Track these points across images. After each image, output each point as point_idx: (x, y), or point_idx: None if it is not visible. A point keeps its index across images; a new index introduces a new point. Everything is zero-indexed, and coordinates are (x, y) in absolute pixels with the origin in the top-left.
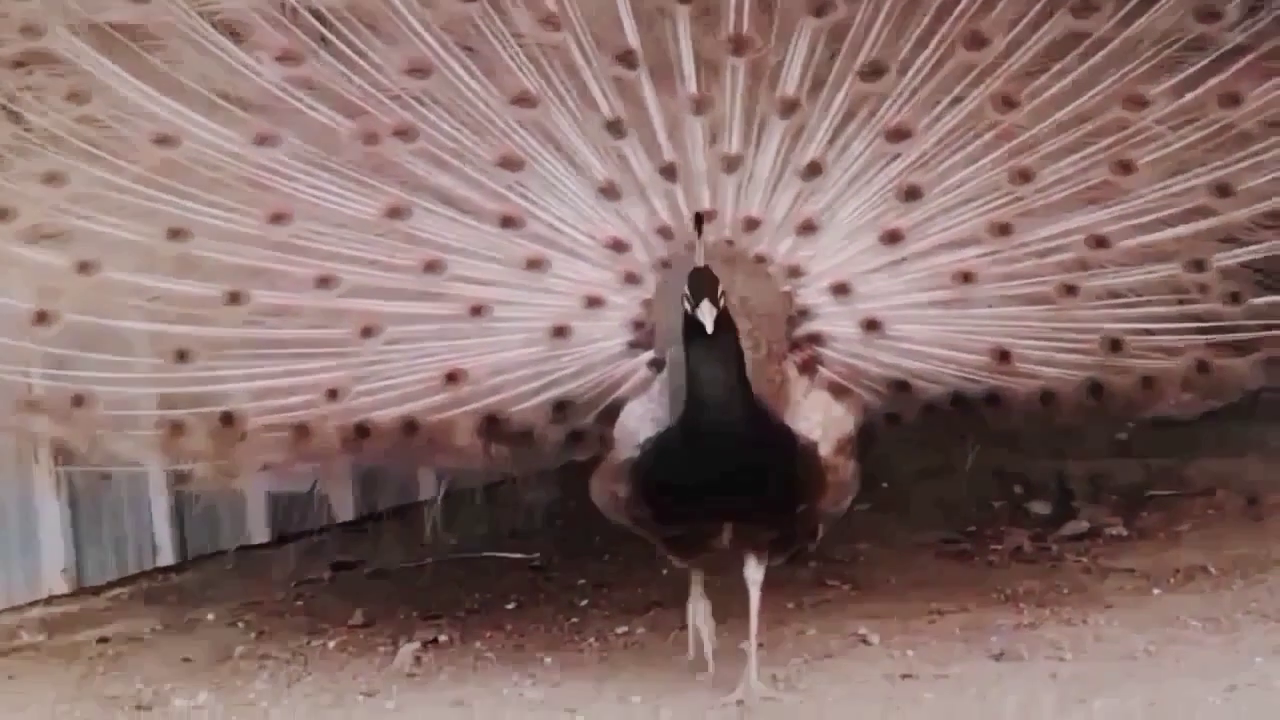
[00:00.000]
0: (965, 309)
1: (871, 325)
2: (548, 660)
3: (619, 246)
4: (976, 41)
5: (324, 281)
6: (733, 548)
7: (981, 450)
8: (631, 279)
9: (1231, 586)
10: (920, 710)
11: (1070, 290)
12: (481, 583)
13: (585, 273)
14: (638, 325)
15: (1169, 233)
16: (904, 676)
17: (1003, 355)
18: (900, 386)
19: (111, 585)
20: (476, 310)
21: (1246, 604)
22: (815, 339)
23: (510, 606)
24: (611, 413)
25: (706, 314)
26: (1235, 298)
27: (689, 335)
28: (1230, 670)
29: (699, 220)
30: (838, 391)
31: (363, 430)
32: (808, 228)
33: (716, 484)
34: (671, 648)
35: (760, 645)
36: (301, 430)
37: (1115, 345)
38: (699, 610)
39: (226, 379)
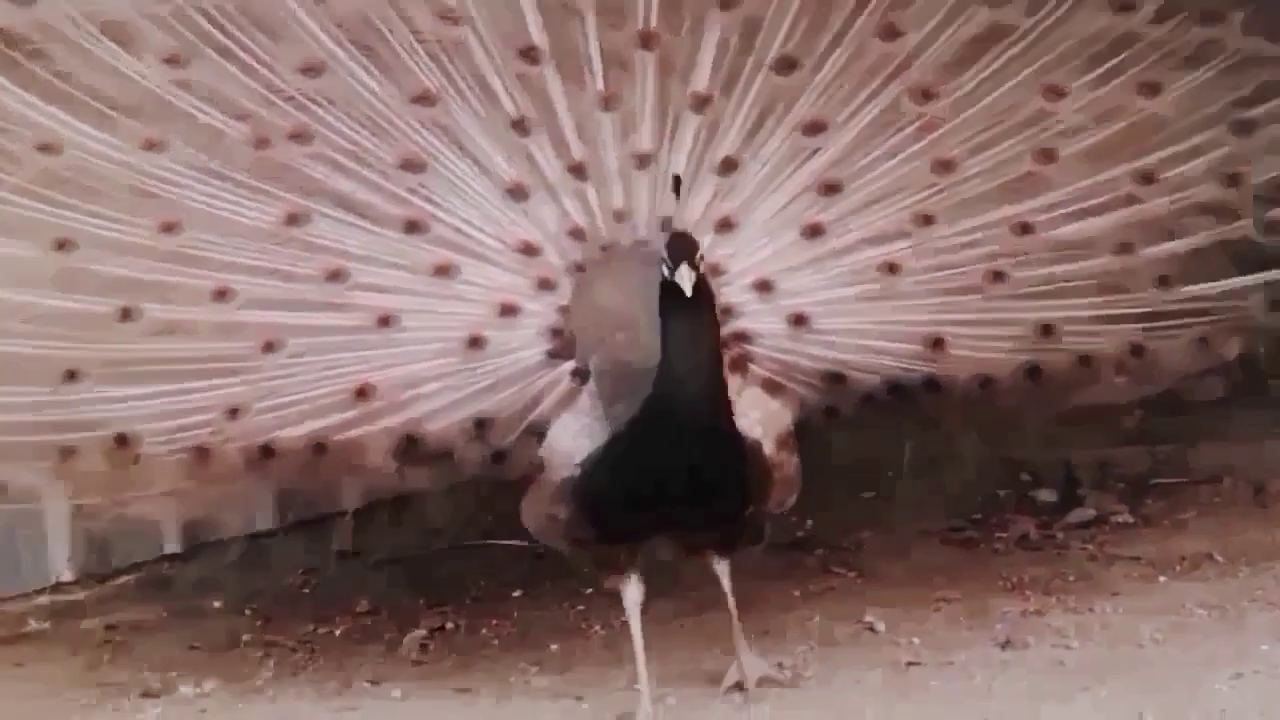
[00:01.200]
0: (893, 300)
1: (799, 320)
2: (554, 647)
3: (530, 250)
4: (891, 33)
5: (221, 294)
6: (674, 558)
7: (986, 438)
8: (545, 284)
9: (1238, 574)
10: (926, 698)
11: (999, 277)
12: (487, 570)
13: (496, 278)
14: (555, 333)
15: (1095, 221)
16: (909, 664)
17: (936, 342)
18: (835, 379)
19: (118, 573)
20: (384, 320)
21: (1252, 591)
22: (742, 337)
23: (516, 594)
24: (535, 430)
25: (685, 278)
26: (1164, 282)
27: (665, 303)
28: (1237, 658)
29: (677, 183)
30: (771, 388)
31: (268, 451)
32: (726, 225)
33: (683, 476)
34: (677, 634)
35: (766, 632)
36: (201, 453)
37: (1047, 330)
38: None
39: (119, 399)
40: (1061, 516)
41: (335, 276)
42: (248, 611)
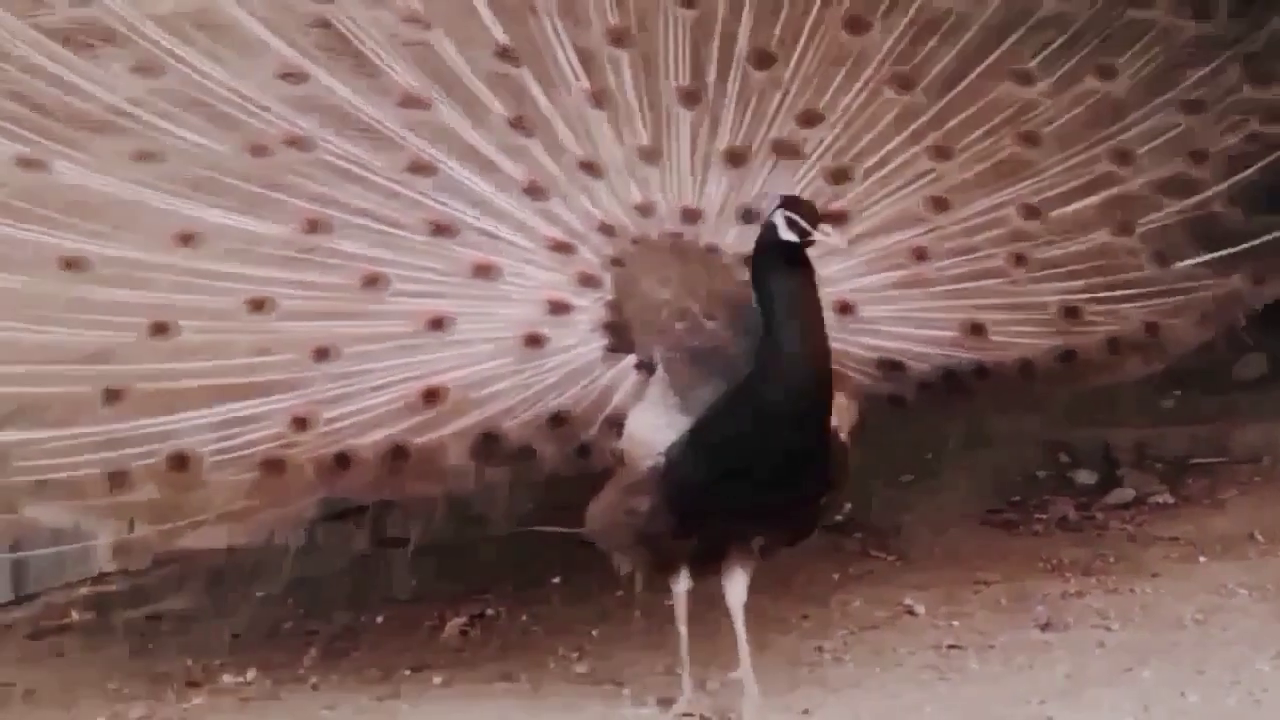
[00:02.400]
0: (927, 286)
1: (845, 309)
2: (594, 633)
3: (563, 248)
4: (856, 26)
5: (257, 306)
6: (743, 554)
7: (1025, 419)
8: (588, 281)
9: (1278, 553)
10: (967, 680)
11: (1020, 261)
12: (528, 557)
13: (537, 277)
14: (609, 328)
15: (1086, 201)
16: (950, 647)
17: (975, 329)
18: (892, 366)
19: (160, 564)
20: (436, 323)
21: None
22: None
23: (556, 580)
24: (615, 423)
25: (833, 233)
26: (1162, 259)
27: (775, 268)
28: (1277, 638)
29: (786, 148)
30: (836, 380)
31: (343, 460)
32: (749, 216)
33: (782, 454)
34: (718, 621)
35: (805, 616)
36: (271, 466)
37: (1072, 313)
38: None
39: (169, 419)
40: (1101, 497)
41: (373, 283)
42: (289, 600)
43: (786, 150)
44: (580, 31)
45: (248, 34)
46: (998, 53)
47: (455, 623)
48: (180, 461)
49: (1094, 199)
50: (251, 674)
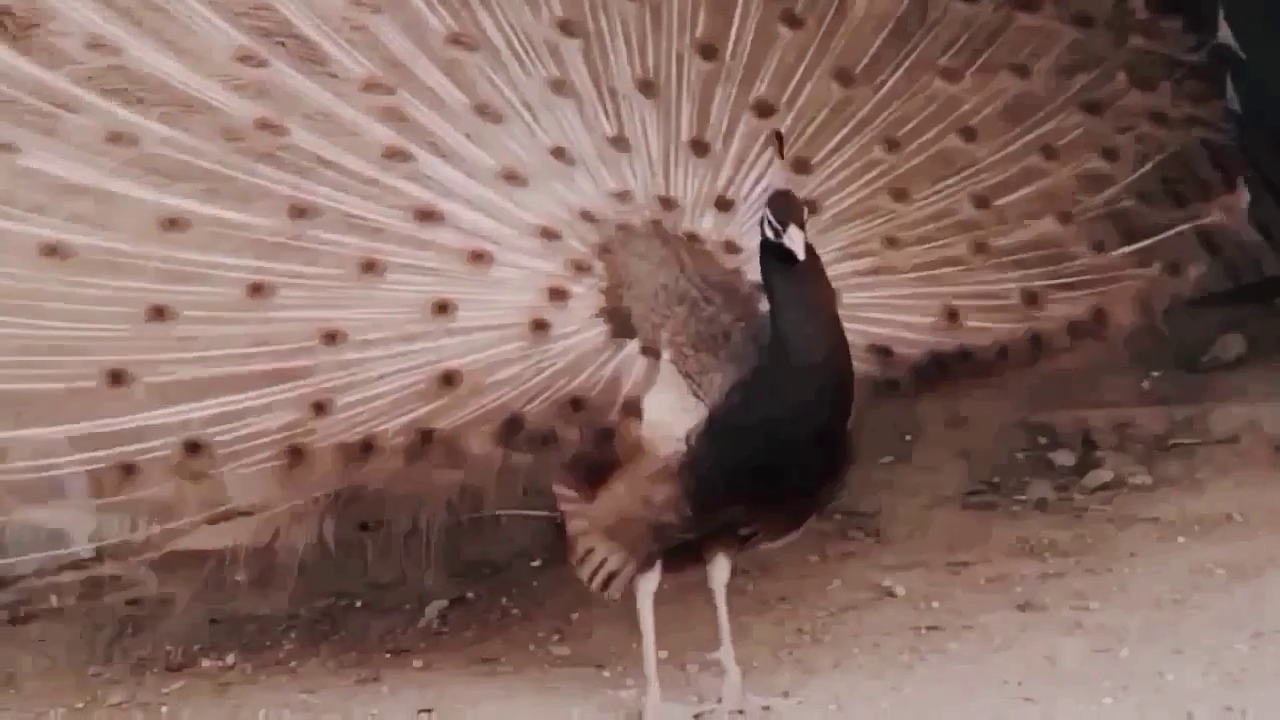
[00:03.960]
0: (901, 273)
1: None
2: (574, 616)
3: (549, 234)
4: (793, 22)
5: (256, 290)
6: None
7: (1003, 401)
8: (580, 267)
9: (1256, 534)
10: (946, 661)
11: (980, 249)
12: (507, 540)
13: (530, 263)
14: (609, 314)
15: (1022, 192)
16: (929, 628)
17: (951, 314)
18: (882, 352)
19: (140, 548)
20: (440, 308)
21: (1271, 551)
22: None
23: (536, 564)
24: (633, 408)
25: (796, 240)
26: (1099, 248)
27: (769, 266)
28: (1255, 618)
29: (779, 139)
30: None
31: (367, 446)
32: (724, 204)
33: (802, 444)
34: (698, 604)
35: (784, 598)
36: (294, 453)
37: (1031, 298)
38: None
39: (179, 408)
40: (1079, 479)
41: (370, 268)
42: (291, 581)
43: (745, 141)
44: (532, 21)
45: (199, 17)
46: (918, 50)
47: (435, 606)
48: (193, 452)
49: (1029, 189)
50: (231, 658)
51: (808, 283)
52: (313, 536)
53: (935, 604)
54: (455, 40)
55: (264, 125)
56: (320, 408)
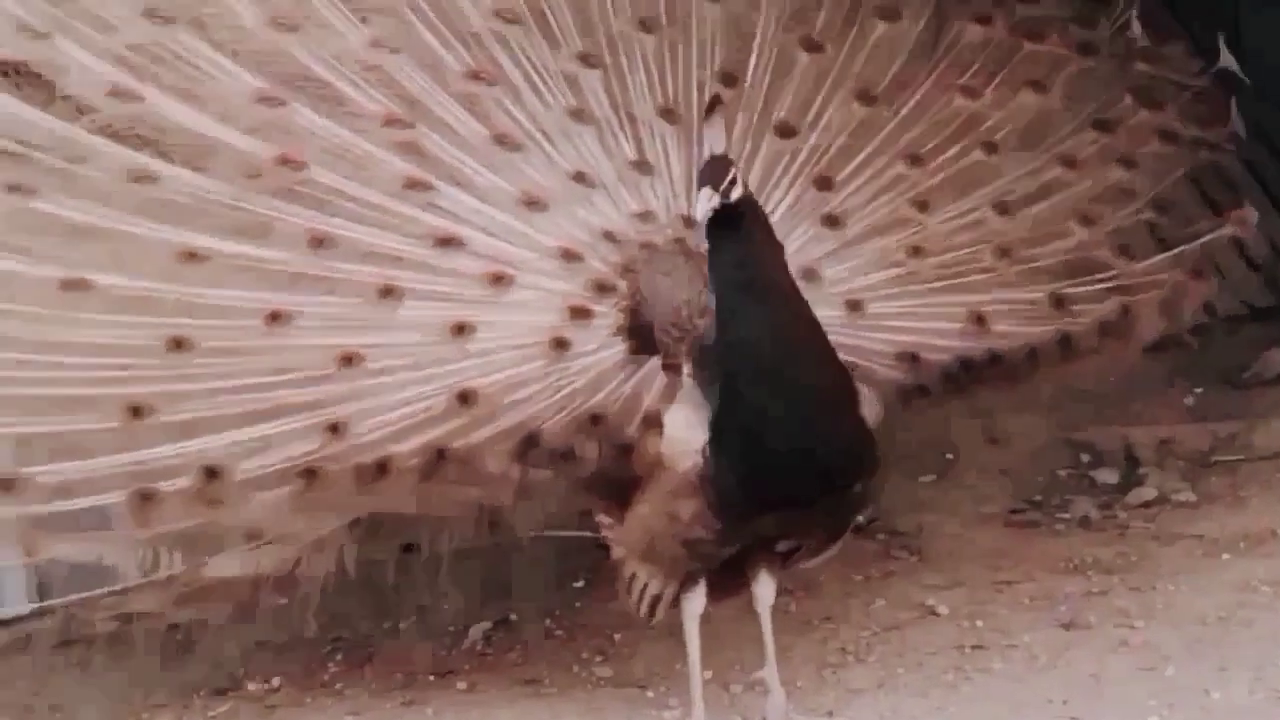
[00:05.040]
0: (928, 281)
1: (854, 306)
2: (617, 637)
3: (571, 256)
4: (813, 46)
5: (274, 318)
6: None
7: (1046, 419)
8: (603, 287)
9: None
10: (990, 680)
11: (1005, 253)
12: (549, 561)
13: (552, 285)
14: (630, 332)
15: (1048, 202)
16: (973, 647)
17: (979, 319)
18: (910, 358)
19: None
20: (458, 330)
21: None
22: None
23: (579, 584)
24: (654, 422)
25: (702, 201)
26: (1126, 253)
27: (710, 241)
28: None
29: (713, 103)
30: (860, 374)
31: (383, 468)
32: None
33: (788, 427)
34: (742, 625)
35: (828, 618)
36: (309, 475)
37: (1059, 301)
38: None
39: (198, 428)
40: (1122, 496)
41: (388, 293)
42: (313, 607)
43: (767, 161)
44: (550, 55)
45: (216, 63)
46: (938, 70)
47: (479, 627)
48: (211, 479)
49: (1053, 199)
50: (277, 681)
51: (738, 245)
52: (332, 564)
53: (979, 623)
54: (473, 76)
55: (283, 162)
56: (336, 431)
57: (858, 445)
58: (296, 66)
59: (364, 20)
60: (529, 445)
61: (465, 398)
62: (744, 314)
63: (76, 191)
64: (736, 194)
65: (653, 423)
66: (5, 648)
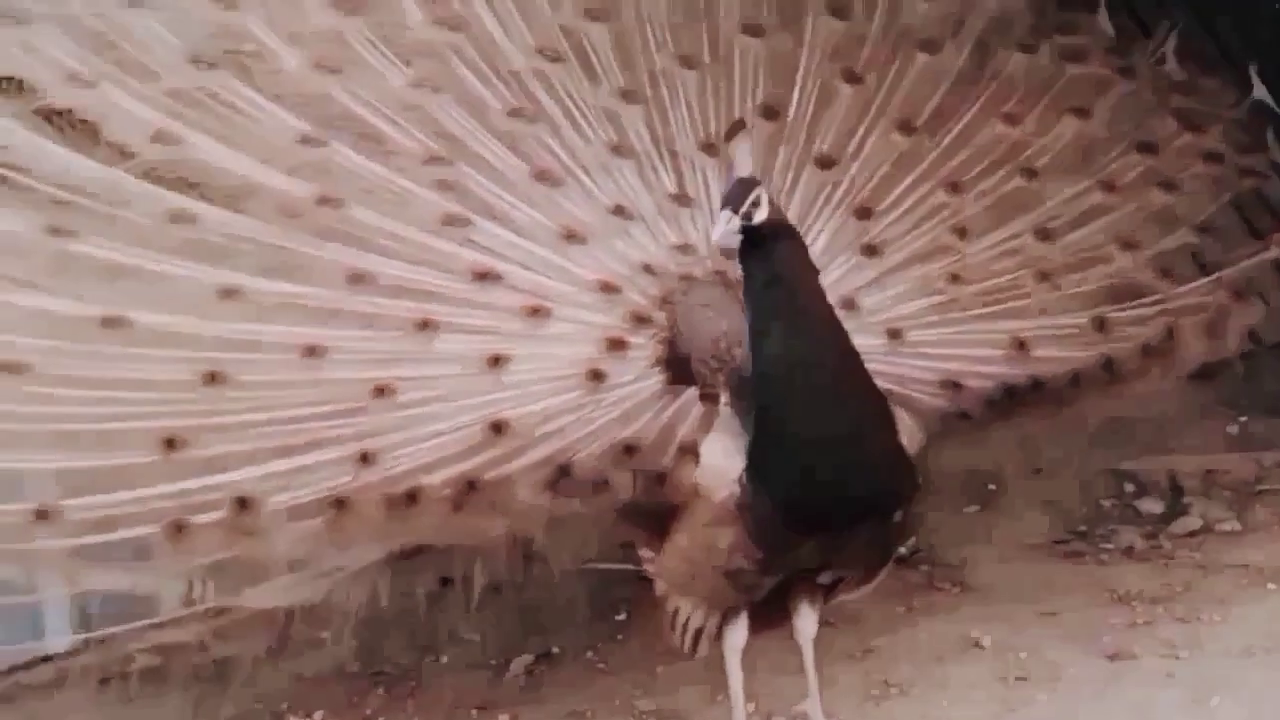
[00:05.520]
0: (967, 309)
1: (894, 335)
2: (660, 670)
3: (610, 288)
4: (854, 79)
5: (310, 351)
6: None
7: (1090, 449)
8: (640, 319)
9: None
10: (1034, 712)
11: (1045, 278)
12: (591, 594)
13: (590, 317)
14: (668, 364)
15: (1090, 226)
16: (1017, 679)
17: (1020, 344)
18: (952, 385)
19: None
20: (494, 361)
21: None
22: None
23: (620, 617)
24: (690, 450)
25: (719, 224)
26: (1168, 276)
27: (746, 265)
28: None
29: (737, 126)
30: (900, 401)
31: (412, 497)
32: None
33: (827, 447)
34: (785, 657)
35: (871, 650)
36: (339, 505)
37: (1101, 325)
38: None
39: (231, 461)
40: (1167, 526)
41: (424, 326)
42: (354, 641)
43: (808, 193)
44: (591, 92)
45: (259, 108)
46: (981, 100)
47: (521, 661)
48: (243, 509)
49: (1095, 224)
50: (319, 716)
51: (776, 277)
52: (365, 595)
53: (1023, 654)
54: (514, 114)
55: (322, 201)
56: (367, 458)
57: (896, 471)
58: (338, 108)
59: (407, 62)
60: (560, 475)
61: (498, 427)
62: (775, 334)
63: (116, 234)
64: (760, 216)
65: (688, 452)
66: (49, 684)
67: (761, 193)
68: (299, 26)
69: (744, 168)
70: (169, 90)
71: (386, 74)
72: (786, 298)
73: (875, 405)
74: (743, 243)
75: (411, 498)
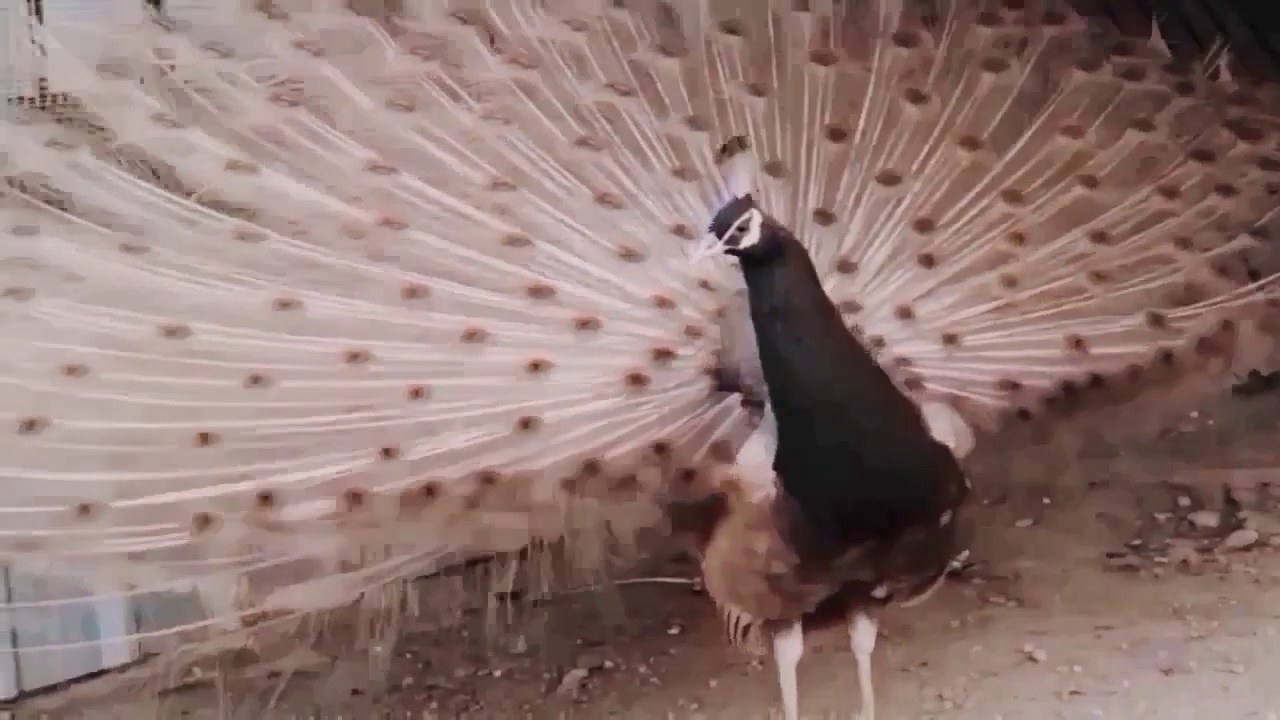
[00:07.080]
0: (1023, 311)
1: (950, 339)
2: (713, 683)
3: (665, 304)
4: (919, 99)
5: (354, 357)
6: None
7: (1144, 462)
8: (693, 332)
9: None
10: None
11: (1100, 278)
12: (644, 608)
13: (642, 331)
14: (716, 373)
15: (1149, 232)
16: (1072, 693)
17: (1077, 343)
18: (1011, 385)
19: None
20: (536, 366)
21: None
22: (903, 361)
23: (674, 631)
24: (721, 450)
25: (699, 248)
26: (1225, 274)
27: (749, 280)
28: None
29: (734, 143)
30: (956, 403)
31: (430, 491)
32: (846, 267)
33: (852, 456)
34: (836, 670)
35: (925, 664)
36: (353, 498)
37: (1157, 320)
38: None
39: (262, 456)
40: (1222, 540)
41: (471, 337)
42: (408, 654)
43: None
44: (658, 122)
45: (332, 141)
46: (1044, 115)
47: (574, 675)
48: (265, 503)
49: (1155, 229)
50: None
51: (774, 292)
52: (396, 601)
53: (1077, 668)
54: (581, 143)
55: (386, 223)
56: (389, 452)
57: (931, 474)
58: (409, 142)
59: (478, 99)
60: (588, 473)
61: (527, 424)
62: (779, 347)
63: (185, 250)
64: (749, 241)
65: (721, 451)
66: (108, 697)
67: (753, 215)
68: (378, 73)
69: (739, 186)
70: (250, 126)
71: (457, 111)
72: (783, 310)
73: (890, 406)
74: (743, 264)
75: (429, 491)
